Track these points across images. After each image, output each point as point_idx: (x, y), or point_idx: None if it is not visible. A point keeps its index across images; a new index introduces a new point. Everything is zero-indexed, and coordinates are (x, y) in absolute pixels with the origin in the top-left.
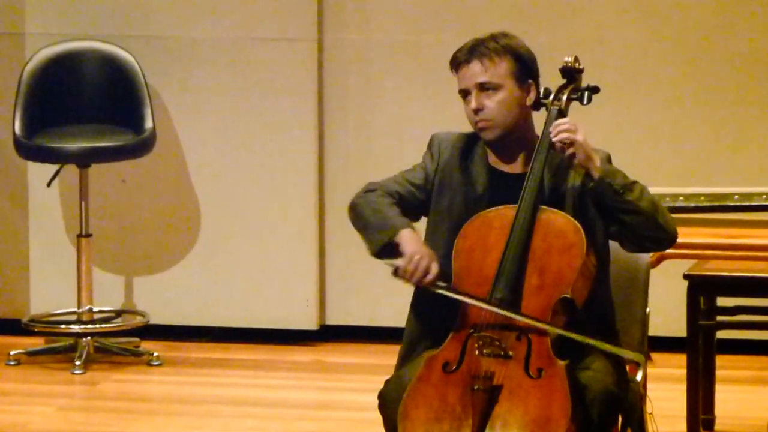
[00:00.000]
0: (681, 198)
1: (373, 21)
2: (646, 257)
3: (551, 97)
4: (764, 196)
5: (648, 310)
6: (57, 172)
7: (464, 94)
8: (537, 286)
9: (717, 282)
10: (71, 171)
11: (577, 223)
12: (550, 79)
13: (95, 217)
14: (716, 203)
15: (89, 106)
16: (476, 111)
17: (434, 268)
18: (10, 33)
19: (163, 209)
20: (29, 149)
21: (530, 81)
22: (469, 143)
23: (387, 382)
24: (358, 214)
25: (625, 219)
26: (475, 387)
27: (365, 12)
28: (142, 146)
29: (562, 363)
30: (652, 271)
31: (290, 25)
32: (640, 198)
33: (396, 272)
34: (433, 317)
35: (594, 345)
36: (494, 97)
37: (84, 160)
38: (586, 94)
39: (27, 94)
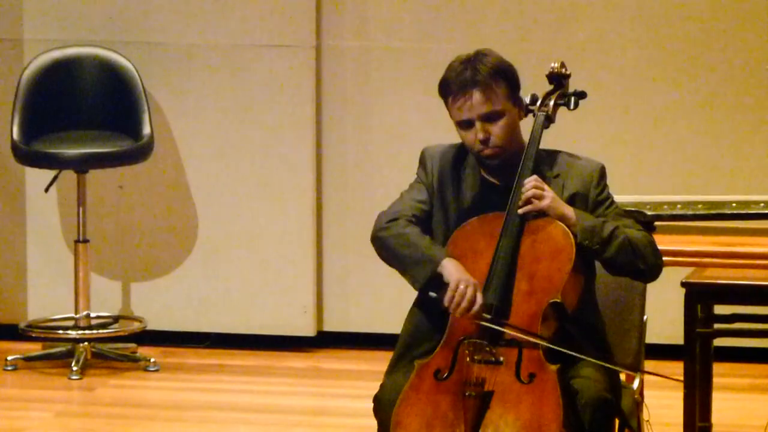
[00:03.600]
0: (678, 206)
1: (371, 28)
2: None
3: (538, 104)
4: (762, 204)
5: (645, 317)
6: (55, 178)
7: (466, 124)
8: (527, 291)
9: (714, 290)
10: (69, 177)
11: (565, 228)
12: (547, 86)
13: (93, 222)
14: (714, 211)
15: (87, 111)
16: (484, 141)
17: (479, 298)
18: (8, 39)
19: (161, 215)
20: (27, 155)
21: (519, 95)
22: (460, 154)
23: (382, 385)
24: (389, 250)
25: (605, 266)
26: (467, 393)
27: (363, 19)
28: (139, 152)
29: (553, 368)
30: None
31: (288, 31)
32: (619, 251)
33: (442, 303)
34: (430, 323)
35: (588, 360)
36: (499, 123)
37: (82, 165)
38: (572, 99)
39: (25, 100)
